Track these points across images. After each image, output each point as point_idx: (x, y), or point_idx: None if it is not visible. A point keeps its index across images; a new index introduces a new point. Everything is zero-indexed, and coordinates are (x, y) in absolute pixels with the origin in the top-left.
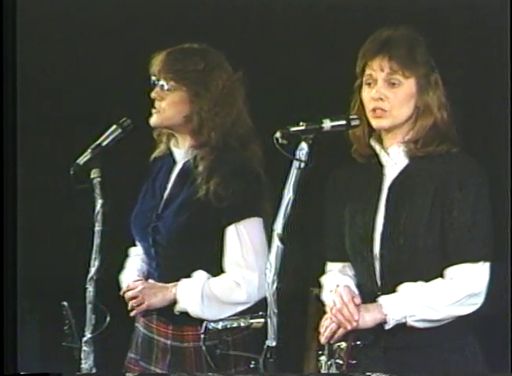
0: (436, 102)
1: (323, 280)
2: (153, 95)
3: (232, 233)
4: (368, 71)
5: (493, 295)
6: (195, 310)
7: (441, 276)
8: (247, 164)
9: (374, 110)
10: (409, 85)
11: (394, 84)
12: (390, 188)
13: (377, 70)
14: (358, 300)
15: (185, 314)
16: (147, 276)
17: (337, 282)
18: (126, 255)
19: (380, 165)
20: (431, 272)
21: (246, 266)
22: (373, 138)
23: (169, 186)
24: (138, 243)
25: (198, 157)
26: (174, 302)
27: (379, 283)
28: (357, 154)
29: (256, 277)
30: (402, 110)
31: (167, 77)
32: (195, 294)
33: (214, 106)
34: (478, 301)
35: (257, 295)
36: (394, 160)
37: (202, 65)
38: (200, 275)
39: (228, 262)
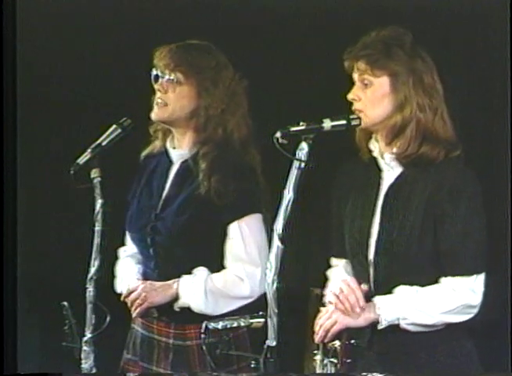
0: (416, 99)
1: (329, 273)
2: (157, 87)
3: (234, 229)
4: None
5: (491, 299)
6: (198, 305)
7: (435, 283)
8: (246, 164)
9: (354, 111)
10: (380, 84)
11: (366, 84)
12: (386, 195)
13: (354, 72)
14: (365, 287)
15: (186, 312)
16: (145, 278)
17: (343, 274)
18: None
19: (379, 169)
20: (424, 280)
21: (249, 261)
22: (371, 141)
23: (167, 186)
24: (133, 243)
25: (200, 154)
26: (175, 299)
27: (372, 287)
28: (363, 158)
29: (259, 272)
30: (375, 109)
31: (176, 70)
32: (198, 289)
33: (221, 103)
34: (473, 311)
35: (260, 290)
36: (390, 164)
37: (214, 62)
38: (201, 270)
39: (230, 258)
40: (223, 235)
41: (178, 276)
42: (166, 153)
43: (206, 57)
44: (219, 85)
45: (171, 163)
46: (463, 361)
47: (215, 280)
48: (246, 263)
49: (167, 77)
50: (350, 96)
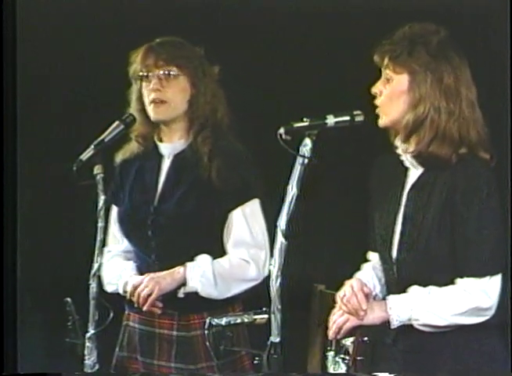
0: (431, 100)
1: (363, 266)
2: (153, 86)
3: (238, 215)
4: None
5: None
6: (206, 288)
7: (453, 284)
8: (241, 150)
9: (375, 106)
10: (399, 81)
11: (388, 79)
12: (408, 193)
13: (381, 66)
14: (367, 289)
15: (190, 302)
16: (141, 273)
17: (368, 272)
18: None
19: (405, 167)
20: (443, 280)
21: (254, 245)
22: (397, 138)
23: (161, 179)
24: (127, 239)
25: (199, 139)
26: (182, 285)
27: (394, 286)
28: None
29: (263, 255)
30: (392, 106)
31: (170, 63)
32: (206, 272)
33: (211, 90)
34: (486, 313)
35: (265, 272)
36: (412, 163)
37: (198, 52)
38: (205, 256)
39: (232, 243)
40: (224, 222)
41: (182, 264)
42: (155, 147)
43: (189, 48)
44: (206, 73)
45: (161, 157)
46: (486, 361)
47: (222, 263)
48: (251, 246)
49: (161, 72)
50: (373, 90)
